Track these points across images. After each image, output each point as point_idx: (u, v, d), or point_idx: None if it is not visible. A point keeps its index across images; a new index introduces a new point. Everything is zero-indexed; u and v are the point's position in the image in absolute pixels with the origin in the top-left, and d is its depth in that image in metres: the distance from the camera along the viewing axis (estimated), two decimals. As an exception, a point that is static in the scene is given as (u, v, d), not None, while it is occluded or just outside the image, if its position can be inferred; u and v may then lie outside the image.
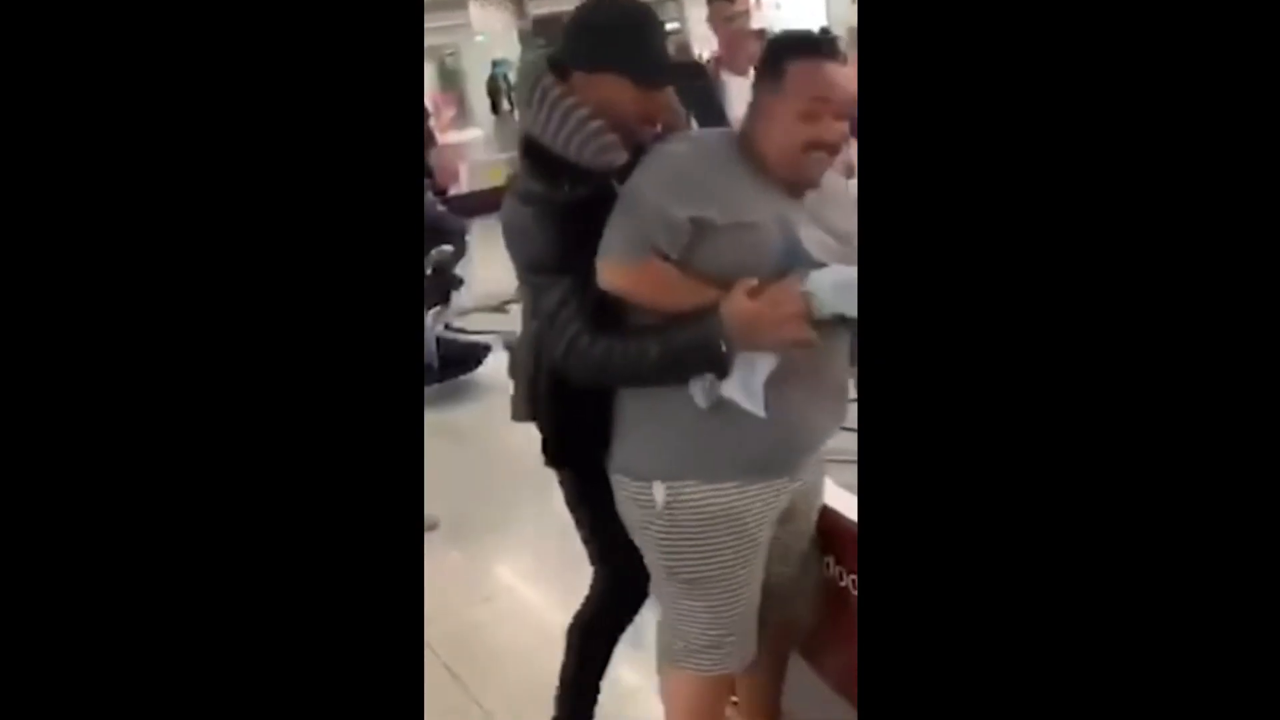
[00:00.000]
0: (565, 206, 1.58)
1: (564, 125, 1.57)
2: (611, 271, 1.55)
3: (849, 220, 1.59)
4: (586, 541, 1.94)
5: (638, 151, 1.62)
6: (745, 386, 1.53)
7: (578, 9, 1.66)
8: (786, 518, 1.78)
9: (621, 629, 2.01)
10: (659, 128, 1.68)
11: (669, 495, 1.65)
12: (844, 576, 1.96)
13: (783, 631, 1.97)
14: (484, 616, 2.81)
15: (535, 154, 1.62)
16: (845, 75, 1.54)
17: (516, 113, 1.76)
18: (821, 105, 1.53)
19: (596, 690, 2.07)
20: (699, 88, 3.33)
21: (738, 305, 1.49)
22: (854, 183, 1.73)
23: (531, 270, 1.62)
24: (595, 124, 1.57)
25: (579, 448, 1.78)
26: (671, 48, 7.86)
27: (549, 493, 2.02)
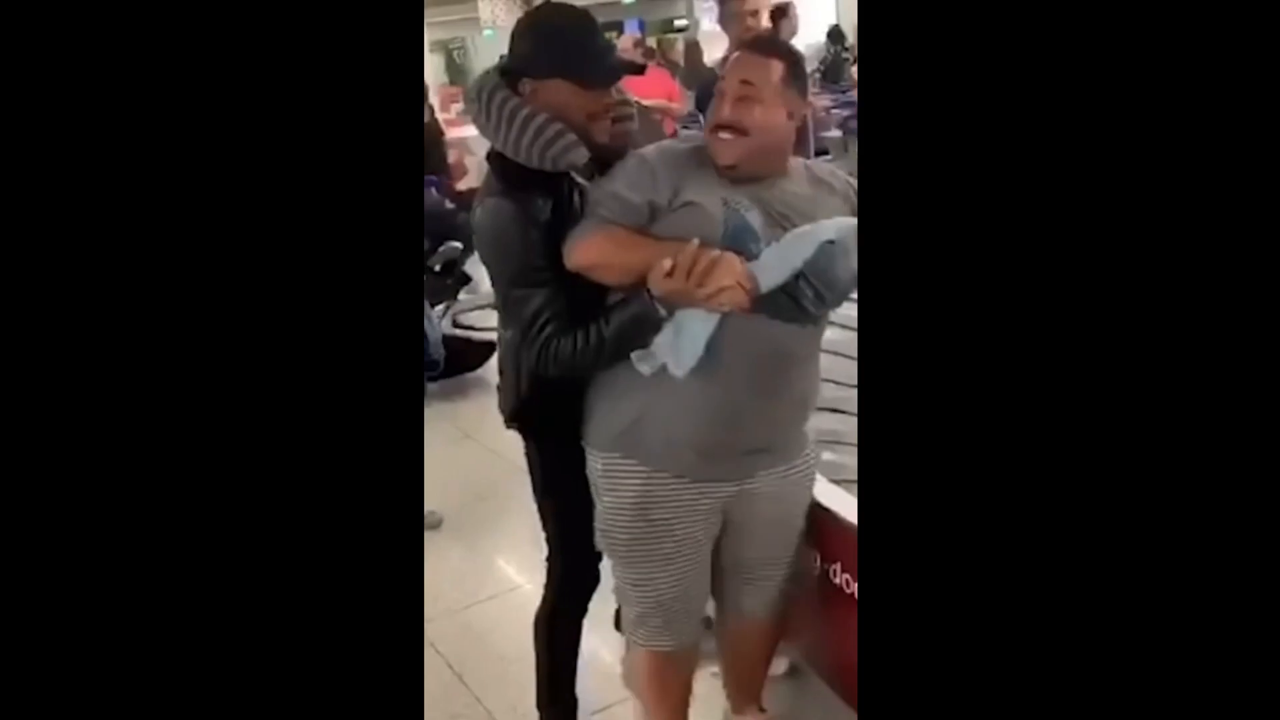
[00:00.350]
0: (540, 223, 1.67)
1: (524, 132, 1.66)
2: (574, 249, 1.65)
3: (816, 211, 1.67)
4: (545, 528, 2.04)
5: (599, 152, 1.72)
6: (671, 345, 1.62)
7: (522, 20, 1.76)
8: (747, 518, 1.84)
9: (581, 614, 2.10)
10: (611, 123, 1.76)
11: (603, 466, 1.77)
12: (838, 574, 1.98)
13: (761, 627, 2.03)
14: (488, 614, 2.81)
15: (502, 167, 1.71)
16: (753, 62, 1.67)
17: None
18: (722, 85, 1.68)
19: (572, 680, 2.14)
20: (709, 85, 3.34)
21: (655, 271, 1.58)
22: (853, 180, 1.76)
23: (510, 284, 1.70)
24: (555, 126, 1.65)
25: (550, 432, 1.89)
26: (680, 45, 7.76)
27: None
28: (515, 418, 1.92)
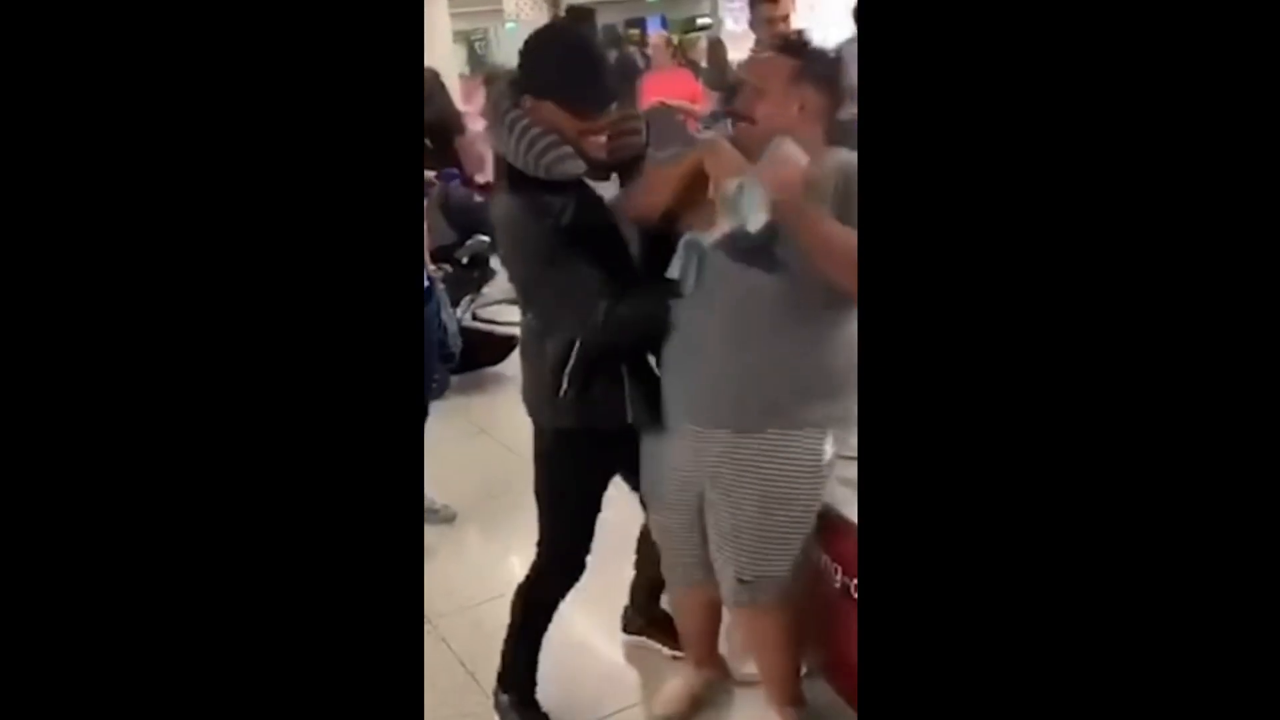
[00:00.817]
0: (551, 212, 1.83)
1: (520, 142, 1.82)
2: (630, 202, 1.87)
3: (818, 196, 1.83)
4: (541, 516, 2.17)
5: (595, 164, 1.88)
6: (680, 263, 1.78)
7: (528, 39, 1.89)
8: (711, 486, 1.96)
9: (561, 596, 2.26)
10: (604, 142, 1.90)
11: None
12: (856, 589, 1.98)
13: (744, 616, 2.12)
14: (500, 612, 2.80)
15: (507, 167, 1.86)
16: (765, 61, 1.90)
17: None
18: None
19: (537, 648, 2.33)
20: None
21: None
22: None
23: (530, 263, 1.86)
24: (547, 139, 1.81)
25: (562, 421, 2.01)
26: (702, 44, 7.67)
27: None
28: (533, 410, 2.04)
